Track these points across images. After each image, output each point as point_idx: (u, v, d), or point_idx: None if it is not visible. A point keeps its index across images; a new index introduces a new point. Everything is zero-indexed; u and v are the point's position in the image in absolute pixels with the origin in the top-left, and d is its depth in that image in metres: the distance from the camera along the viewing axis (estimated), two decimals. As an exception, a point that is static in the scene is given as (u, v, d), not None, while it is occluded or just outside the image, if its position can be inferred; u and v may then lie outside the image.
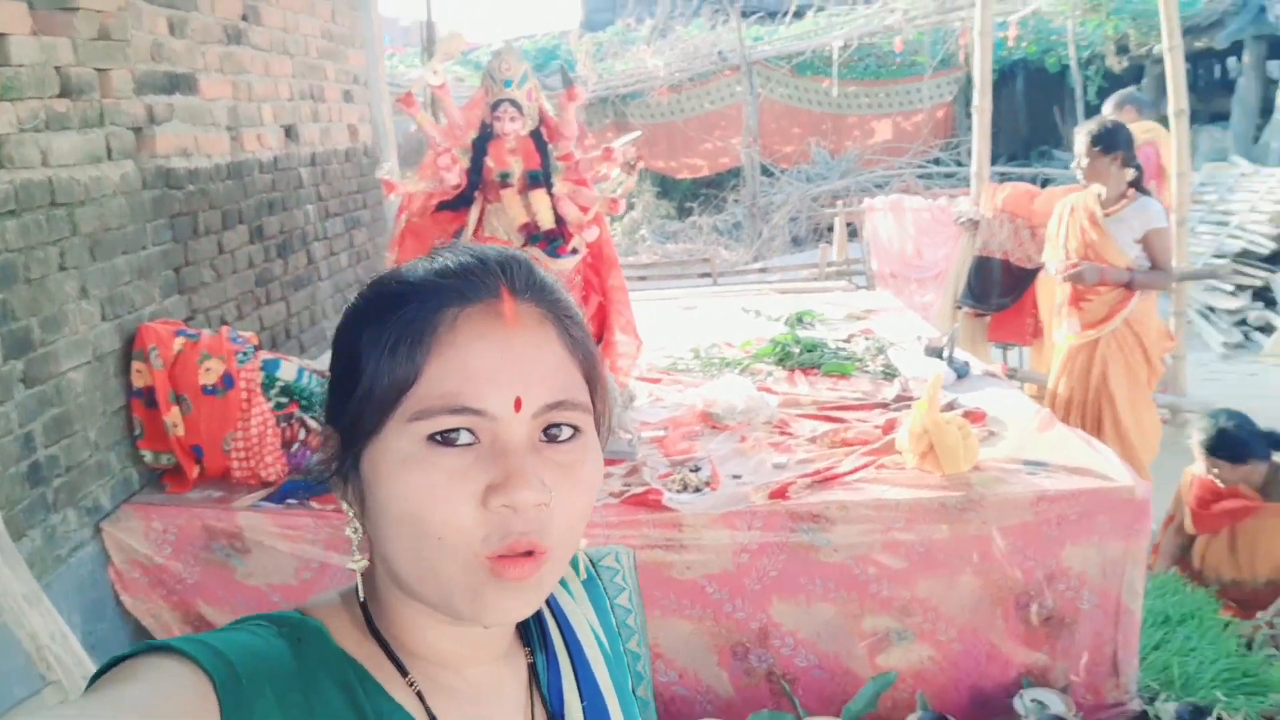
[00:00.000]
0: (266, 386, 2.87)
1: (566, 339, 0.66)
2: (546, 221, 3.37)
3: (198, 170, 3.20)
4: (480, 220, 3.42)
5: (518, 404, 0.61)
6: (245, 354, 2.87)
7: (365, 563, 0.68)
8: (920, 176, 11.23)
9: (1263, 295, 6.69)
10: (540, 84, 3.45)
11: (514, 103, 3.29)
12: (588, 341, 0.69)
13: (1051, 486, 2.49)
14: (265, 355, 2.97)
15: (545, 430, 0.63)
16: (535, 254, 3.34)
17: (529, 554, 0.61)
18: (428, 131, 3.30)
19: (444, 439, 0.60)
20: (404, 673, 0.66)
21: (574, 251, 3.38)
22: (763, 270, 6.34)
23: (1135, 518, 2.48)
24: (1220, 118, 11.21)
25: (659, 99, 13.08)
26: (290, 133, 4.01)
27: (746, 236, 11.47)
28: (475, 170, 3.37)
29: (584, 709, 0.74)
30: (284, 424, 2.88)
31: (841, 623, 2.55)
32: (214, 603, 2.70)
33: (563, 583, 0.80)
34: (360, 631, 0.67)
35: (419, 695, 0.66)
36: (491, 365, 0.61)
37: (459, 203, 3.43)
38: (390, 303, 0.64)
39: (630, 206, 11.48)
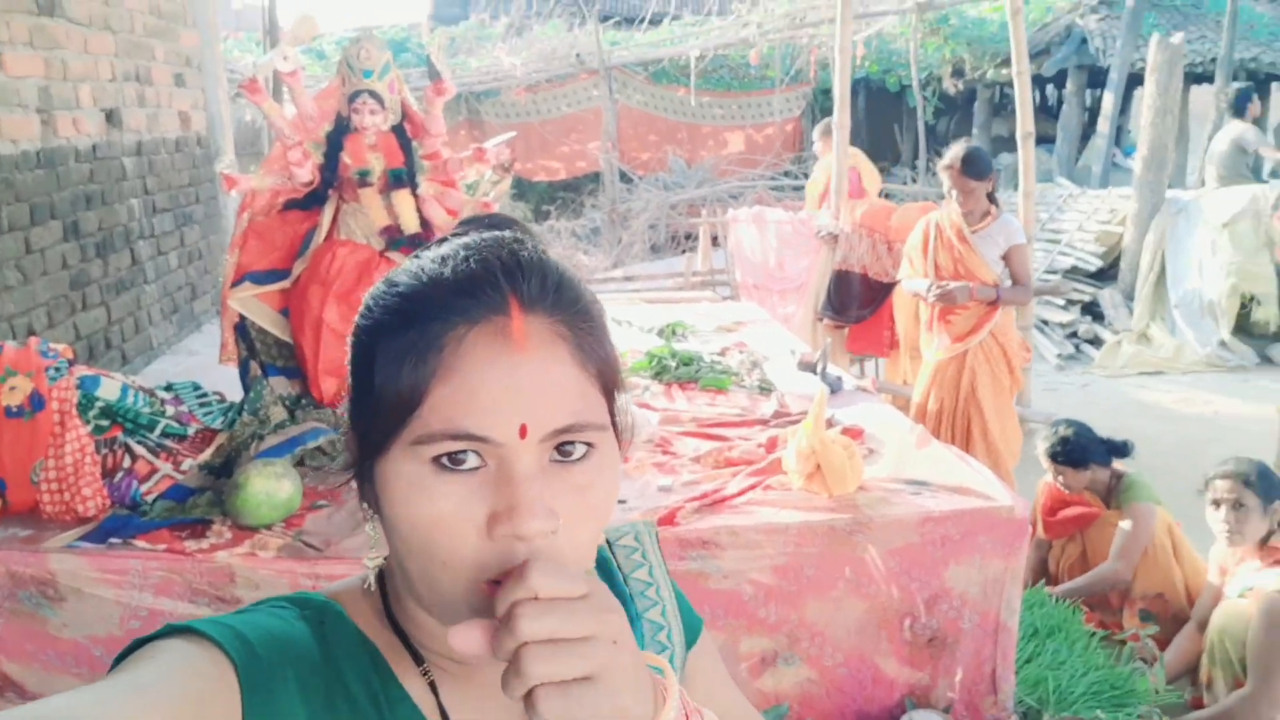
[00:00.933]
0: (84, 407, 2.51)
1: (580, 355, 0.63)
2: (410, 225, 3.12)
3: (0, 157, 2.77)
4: (335, 221, 3.14)
5: (523, 431, 0.59)
6: (58, 369, 2.50)
7: (380, 560, 0.68)
8: (772, 188, 11.49)
9: (1091, 309, 7.18)
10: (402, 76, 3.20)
11: (374, 95, 3.03)
12: (605, 347, 0.66)
13: (935, 507, 2.48)
14: (82, 371, 2.59)
15: (559, 448, 0.61)
16: (399, 259, 3.08)
17: None
18: (275, 123, 2.99)
19: (451, 461, 0.59)
20: (419, 661, 0.67)
21: (440, 258, 3.16)
22: (627, 278, 6.24)
23: (1014, 536, 2.51)
24: (1044, 141, 12.06)
25: (515, 99, 12.85)
26: (112, 117, 3.57)
27: (606, 242, 11.41)
28: (330, 167, 3.09)
29: None
30: (105, 450, 2.52)
31: (729, 649, 2.46)
32: (22, 659, 2.33)
33: None
34: (378, 619, 0.68)
35: (432, 686, 0.67)
36: (497, 391, 0.59)
37: (310, 202, 3.14)
38: (397, 316, 0.62)
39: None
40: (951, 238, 3.74)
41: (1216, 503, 2.67)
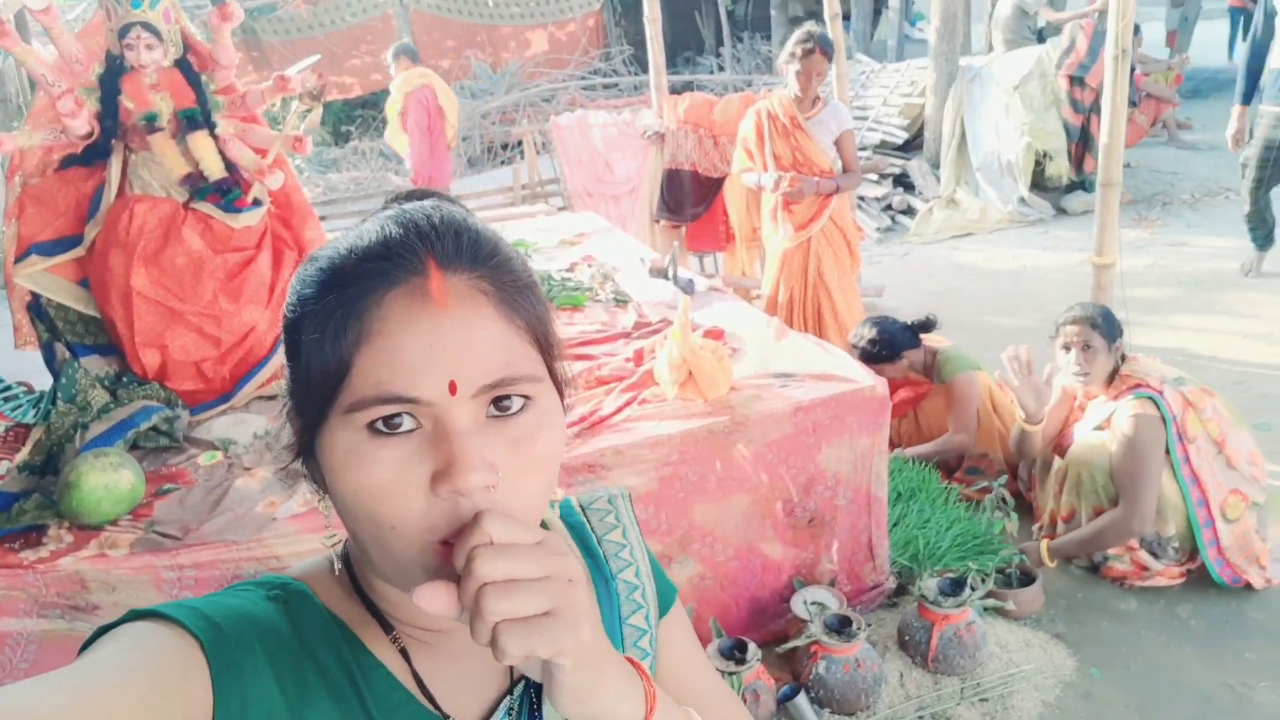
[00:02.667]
0: None
1: (506, 308, 0.62)
2: (215, 170, 2.83)
3: None
4: (125, 175, 2.79)
5: (452, 387, 0.59)
6: None
7: (336, 536, 0.69)
8: (584, 88, 11.23)
9: (901, 181, 7.52)
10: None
11: (148, 26, 2.69)
12: (533, 303, 0.65)
13: (804, 396, 2.55)
14: None
15: (496, 403, 0.61)
16: (207, 210, 2.80)
17: None
18: (34, 68, 2.59)
19: (386, 426, 0.59)
20: (388, 630, 0.68)
21: (256, 203, 2.89)
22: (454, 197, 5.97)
23: (877, 412, 2.63)
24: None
25: (294, 12, 11.84)
26: None
27: (416, 160, 10.86)
28: (109, 114, 2.74)
29: None
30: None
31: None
32: None
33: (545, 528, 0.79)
34: (344, 594, 0.69)
35: (403, 653, 0.68)
36: (422, 351, 0.59)
37: (92, 156, 2.78)
38: (316, 288, 0.62)
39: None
40: (787, 126, 3.76)
41: (1066, 346, 2.88)
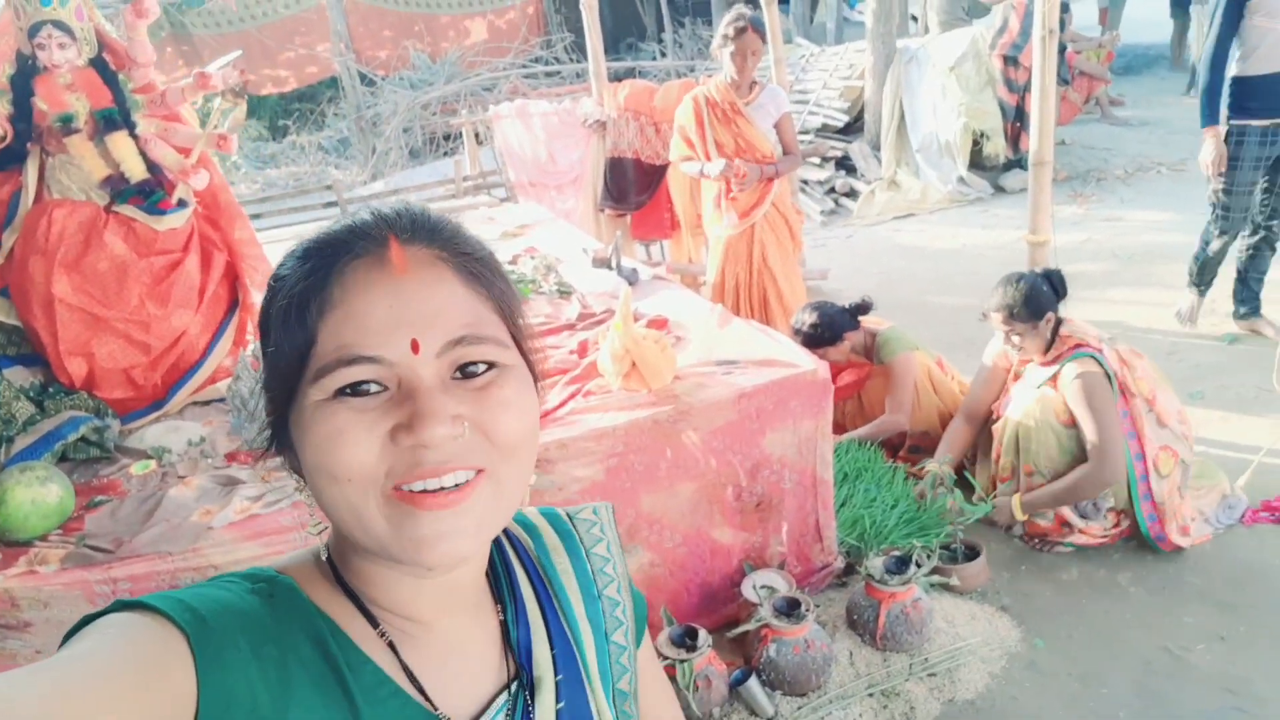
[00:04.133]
0: None
1: (466, 275, 0.65)
2: (136, 171, 2.75)
3: None
4: (41, 179, 2.70)
5: (414, 345, 0.61)
6: None
7: (323, 526, 0.60)
8: (525, 77, 11.12)
9: (843, 164, 7.57)
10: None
11: (60, 25, 2.60)
12: (496, 277, 0.67)
13: (748, 383, 2.56)
14: None
15: (462, 369, 0.63)
16: (130, 213, 2.72)
17: (456, 487, 0.61)
18: (-61, 70, 2.49)
19: (353, 391, 0.61)
20: (374, 624, 0.67)
21: (180, 204, 2.81)
22: (393, 192, 5.88)
23: (820, 395, 2.65)
24: (779, 2, 12.36)
25: (224, 6, 11.51)
26: None
27: (358, 153, 10.69)
28: (22, 116, 2.65)
29: (554, 657, 0.75)
30: None
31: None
32: None
33: (537, 534, 0.81)
34: (330, 588, 0.68)
35: (391, 647, 0.67)
36: (383, 312, 0.61)
37: (6, 160, 2.69)
38: (283, 271, 0.65)
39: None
40: (727, 112, 3.74)
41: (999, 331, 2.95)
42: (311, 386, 0.61)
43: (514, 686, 0.73)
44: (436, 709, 0.68)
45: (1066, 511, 2.81)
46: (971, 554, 2.77)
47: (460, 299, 0.63)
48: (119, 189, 2.70)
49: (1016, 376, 3.05)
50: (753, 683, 2.33)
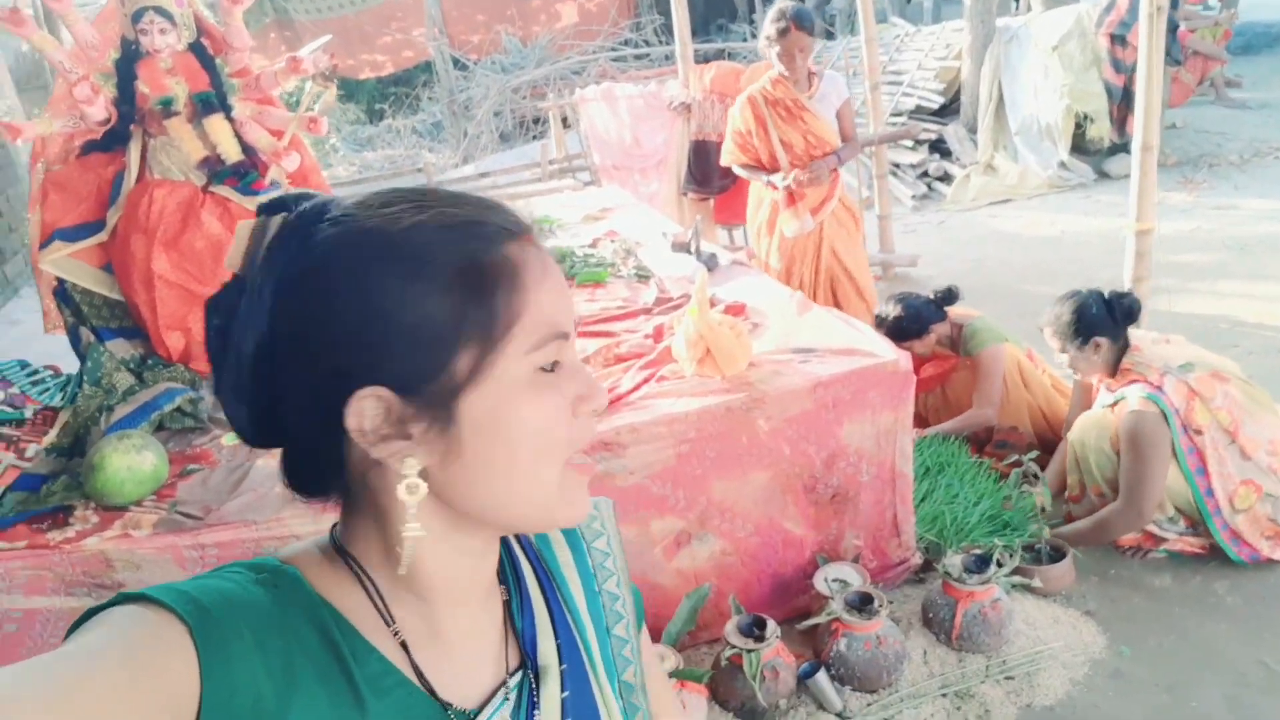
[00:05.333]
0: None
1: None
2: (232, 153, 2.85)
3: None
4: (144, 160, 2.82)
5: (576, 322, 0.68)
6: None
7: (421, 532, 0.64)
8: (614, 59, 11.12)
9: (938, 147, 7.35)
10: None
11: (161, 11, 2.70)
12: None
13: (825, 372, 2.50)
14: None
15: None
16: (225, 193, 2.82)
17: None
18: (51, 56, 2.62)
19: (550, 367, 0.64)
20: (389, 622, 0.67)
21: (273, 185, 2.90)
22: (482, 175, 5.96)
23: (901, 387, 2.57)
24: (874, -19, 12.04)
25: (326, -9, 11.83)
26: None
27: (450, 137, 10.88)
28: (126, 99, 2.76)
29: (558, 647, 0.75)
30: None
31: (641, 536, 2.46)
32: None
33: None
34: (336, 577, 0.67)
35: (403, 645, 0.67)
36: (561, 290, 0.66)
37: (112, 141, 2.81)
38: (441, 250, 0.61)
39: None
40: (791, 109, 3.62)
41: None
42: (521, 358, 0.62)
43: (519, 675, 0.73)
44: (442, 698, 0.68)
45: (1152, 526, 2.68)
46: (1057, 556, 2.66)
47: None
48: (215, 170, 2.80)
49: (1096, 392, 2.92)
50: (821, 676, 2.29)
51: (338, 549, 0.69)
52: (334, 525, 0.71)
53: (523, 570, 0.78)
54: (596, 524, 0.84)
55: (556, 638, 0.76)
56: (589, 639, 0.78)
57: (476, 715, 0.69)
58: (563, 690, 0.74)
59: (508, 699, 0.71)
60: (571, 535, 0.82)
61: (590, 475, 0.67)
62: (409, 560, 0.65)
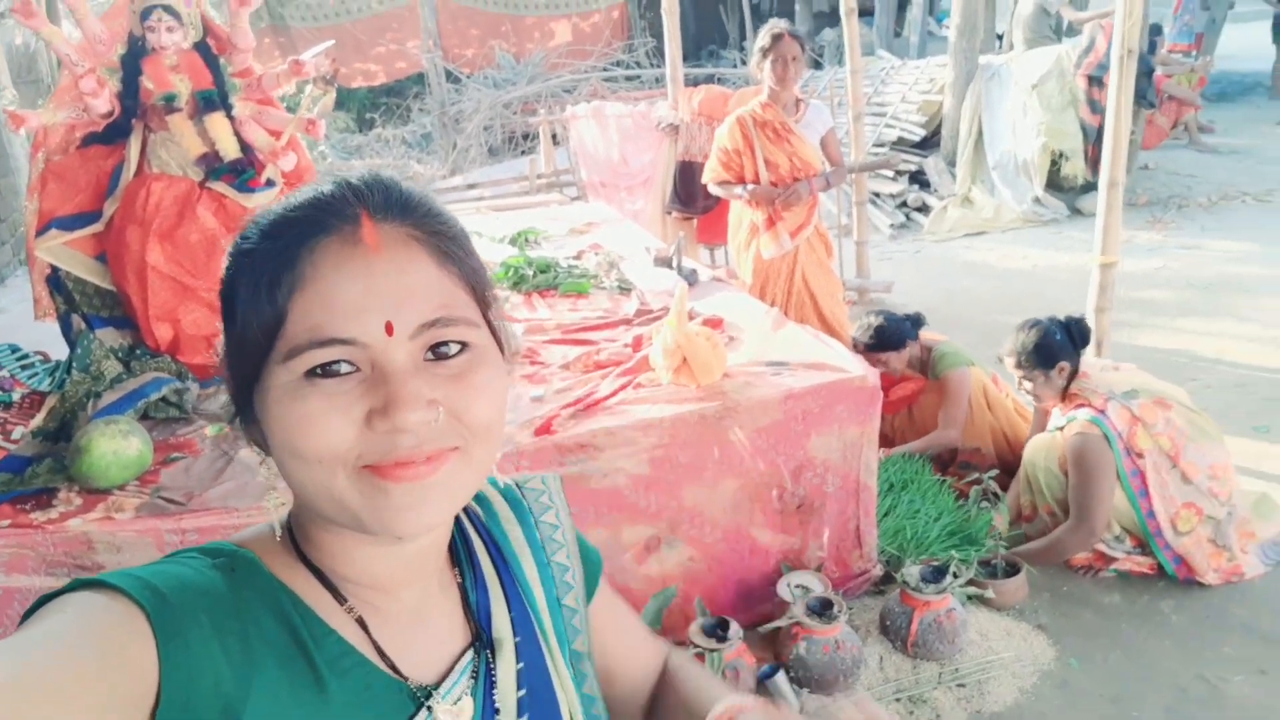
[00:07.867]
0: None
1: (439, 254, 0.64)
2: (230, 150, 2.92)
3: None
4: (143, 154, 2.88)
5: (389, 328, 0.60)
6: None
7: (282, 503, 0.68)
8: (605, 80, 11.28)
9: (917, 178, 7.52)
10: (198, -14, 2.92)
11: (169, 9, 2.78)
12: (467, 254, 0.67)
13: (796, 384, 2.60)
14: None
15: (434, 349, 0.62)
16: (222, 189, 2.89)
17: (427, 459, 0.61)
18: (59, 48, 2.69)
19: (324, 372, 0.60)
20: (341, 600, 0.67)
21: (269, 184, 2.97)
22: (470, 186, 6.05)
23: (868, 403, 2.67)
24: (863, 14, 12.27)
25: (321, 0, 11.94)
26: None
27: (439, 148, 10.96)
28: (129, 94, 2.83)
29: (511, 620, 0.76)
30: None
31: (612, 543, 2.54)
32: None
33: (487, 504, 0.82)
34: (291, 561, 0.68)
35: (360, 621, 0.67)
36: (356, 293, 0.60)
37: (113, 134, 2.88)
38: (250, 245, 0.63)
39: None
40: (778, 130, 3.73)
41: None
42: (281, 366, 0.60)
43: (475, 647, 0.74)
44: (402, 675, 0.69)
45: (1103, 545, 2.80)
46: (1012, 571, 2.76)
47: (433, 279, 0.63)
48: (213, 166, 2.87)
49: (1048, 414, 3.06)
50: (780, 678, 2.37)
51: (287, 532, 0.70)
52: (290, 507, 0.71)
53: (475, 548, 0.79)
54: (544, 498, 0.85)
55: (510, 611, 0.77)
56: (540, 611, 0.80)
57: (436, 689, 0.70)
58: (518, 661, 0.75)
59: (465, 672, 0.73)
60: (520, 510, 0.83)
61: (424, 480, 0.62)
62: (280, 529, 0.69)
